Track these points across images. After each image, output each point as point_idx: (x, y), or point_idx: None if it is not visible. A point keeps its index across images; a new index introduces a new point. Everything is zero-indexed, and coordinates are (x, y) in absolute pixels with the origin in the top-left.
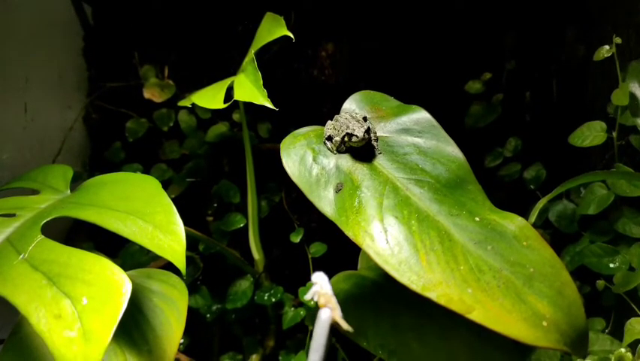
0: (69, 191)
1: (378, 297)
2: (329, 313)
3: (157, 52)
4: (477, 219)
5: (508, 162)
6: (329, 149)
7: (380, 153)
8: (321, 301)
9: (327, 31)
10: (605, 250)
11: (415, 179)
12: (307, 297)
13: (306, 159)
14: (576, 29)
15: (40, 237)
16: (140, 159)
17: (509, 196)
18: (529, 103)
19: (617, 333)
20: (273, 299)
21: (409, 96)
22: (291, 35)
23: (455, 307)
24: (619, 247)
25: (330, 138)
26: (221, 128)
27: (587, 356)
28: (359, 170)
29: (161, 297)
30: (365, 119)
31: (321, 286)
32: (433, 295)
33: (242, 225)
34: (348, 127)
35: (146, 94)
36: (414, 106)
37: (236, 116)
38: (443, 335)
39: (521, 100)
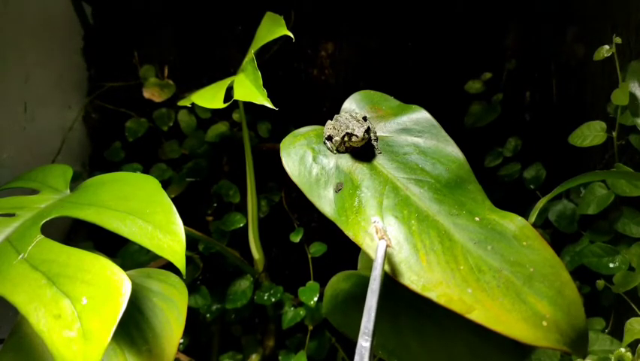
0: (69, 191)
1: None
2: (385, 243)
3: (157, 52)
4: (477, 219)
5: (508, 161)
6: (329, 148)
7: (380, 153)
8: (379, 235)
9: (327, 31)
10: (604, 249)
11: (414, 179)
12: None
13: (305, 159)
14: (576, 29)
15: (40, 237)
16: (140, 158)
17: (509, 196)
18: (529, 103)
19: (617, 333)
20: (273, 299)
21: (409, 96)
22: (291, 35)
23: (455, 307)
24: (619, 247)
25: (330, 138)
26: (221, 127)
27: (587, 355)
28: (359, 170)
29: (160, 297)
30: (365, 118)
31: (378, 223)
32: (432, 295)
33: (242, 224)
34: (348, 127)
35: (146, 94)
36: (414, 106)
37: (236, 116)
38: (443, 335)
39: (521, 100)
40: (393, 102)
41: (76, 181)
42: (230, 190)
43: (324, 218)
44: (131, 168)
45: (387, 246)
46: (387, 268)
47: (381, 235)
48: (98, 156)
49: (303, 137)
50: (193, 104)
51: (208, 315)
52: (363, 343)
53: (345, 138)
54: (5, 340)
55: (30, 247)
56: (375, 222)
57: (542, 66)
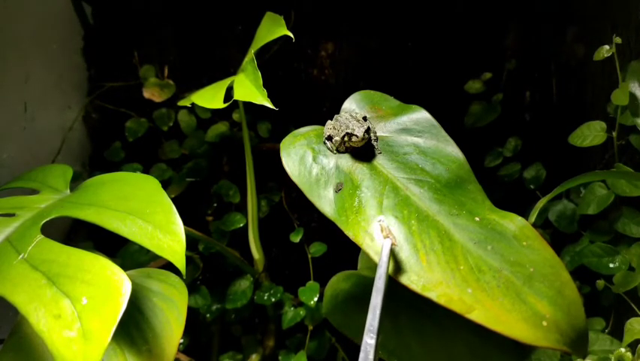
0: (69, 191)
1: None
2: (390, 241)
3: (157, 52)
4: (477, 219)
5: (508, 162)
6: (329, 148)
7: (380, 153)
8: (384, 233)
9: (327, 31)
10: (604, 249)
11: (414, 179)
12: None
13: (305, 159)
14: (576, 29)
15: (40, 237)
16: (140, 158)
17: (509, 196)
18: (529, 103)
19: (617, 333)
20: (273, 299)
21: (409, 96)
22: (291, 35)
23: (455, 307)
24: (619, 247)
25: (330, 138)
26: (221, 127)
27: (587, 355)
28: (359, 170)
29: (160, 297)
30: (365, 118)
31: (383, 222)
32: (433, 295)
33: (242, 224)
34: (348, 127)
35: (146, 94)
36: (414, 106)
37: (236, 116)
38: (443, 335)
39: (521, 100)
40: (393, 102)
41: (76, 181)
42: (230, 190)
43: (324, 218)
44: (131, 168)
45: (393, 244)
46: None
47: (387, 233)
48: (98, 156)
49: (303, 137)
50: (193, 104)
51: (208, 315)
52: (369, 340)
53: (345, 138)
54: (5, 340)
55: (30, 247)
56: (380, 220)
57: (542, 66)
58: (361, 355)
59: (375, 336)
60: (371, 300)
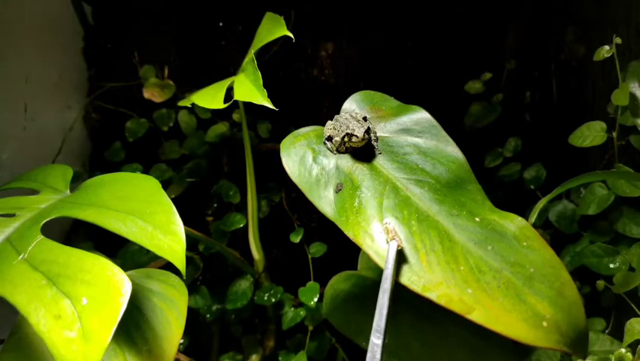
0: (69, 191)
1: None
2: (396, 243)
3: (157, 52)
4: (477, 219)
5: (508, 162)
6: (329, 149)
7: (380, 153)
8: (391, 236)
9: (327, 31)
10: (605, 250)
11: (415, 179)
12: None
13: (306, 159)
14: (576, 29)
15: (40, 237)
16: (140, 159)
17: (509, 196)
18: (529, 103)
19: (617, 333)
20: (273, 299)
21: (409, 96)
22: (291, 35)
23: (455, 307)
24: (619, 247)
25: (330, 138)
26: (221, 128)
27: (587, 356)
28: (359, 170)
29: (160, 297)
30: (365, 119)
31: (389, 224)
32: (433, 295)
33: (242, 225)
34: (348, 127)
35: (146, 94)
36: (414, 106)
37: (236, 116)
38: (443, 335)
39: (521, 100)
40: (394, 102)
41: (76, 181)
42: (230, 190)
43: (324, 218)
44: (131, 169)
45: (399, 246)
46: None
47: (393, 235)
48: (98, 156)
49: (303, 137)
50: (193, 104)
51: (208, 315)
52: (376, 340)
53: (346, 139)
54: (5, 340)
55: (30, 248)
56: (387, 223)
57: (542, 66)
58: (368, 355)
59: (382, 336)
60: (378, 301)
